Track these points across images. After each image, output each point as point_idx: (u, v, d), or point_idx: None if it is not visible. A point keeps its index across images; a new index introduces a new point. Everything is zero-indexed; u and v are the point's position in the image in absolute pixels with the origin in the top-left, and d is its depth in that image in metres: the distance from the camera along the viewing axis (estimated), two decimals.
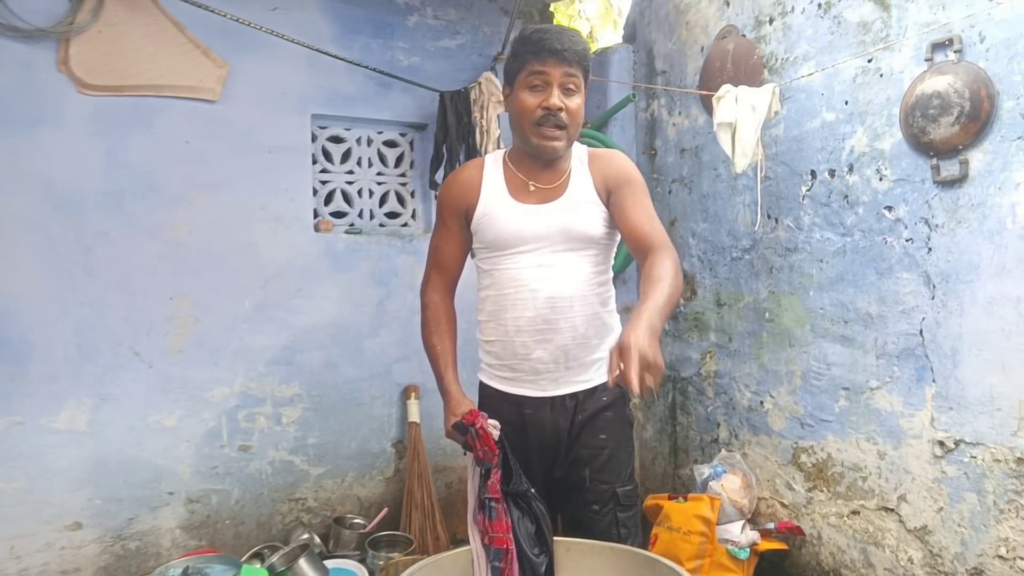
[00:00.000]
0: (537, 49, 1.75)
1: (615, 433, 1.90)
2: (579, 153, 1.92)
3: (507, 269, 1.83)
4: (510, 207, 1.84)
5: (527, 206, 1.84)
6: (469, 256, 1.99)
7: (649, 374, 1.39)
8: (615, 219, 1.83)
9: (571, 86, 1.78)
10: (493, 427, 1.75)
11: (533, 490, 1.77)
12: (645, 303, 1.55)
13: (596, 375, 1.86)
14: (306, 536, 3.01)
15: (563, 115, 1.77)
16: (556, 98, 1.76)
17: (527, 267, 1.82)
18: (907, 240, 2.25)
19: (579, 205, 1.83)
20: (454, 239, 1.92)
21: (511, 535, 1.70)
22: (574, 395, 1.85)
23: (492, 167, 1.91)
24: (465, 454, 1.81)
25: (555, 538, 1.82)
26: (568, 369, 1.84)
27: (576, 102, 1.80)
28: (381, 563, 2.81)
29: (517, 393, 1.87)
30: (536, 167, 1.86)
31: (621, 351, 1.41)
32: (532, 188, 1.85)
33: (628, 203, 1.81)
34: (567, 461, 1.90)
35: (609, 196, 1.85)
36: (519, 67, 1.80)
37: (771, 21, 2.70)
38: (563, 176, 1.87)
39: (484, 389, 1.96)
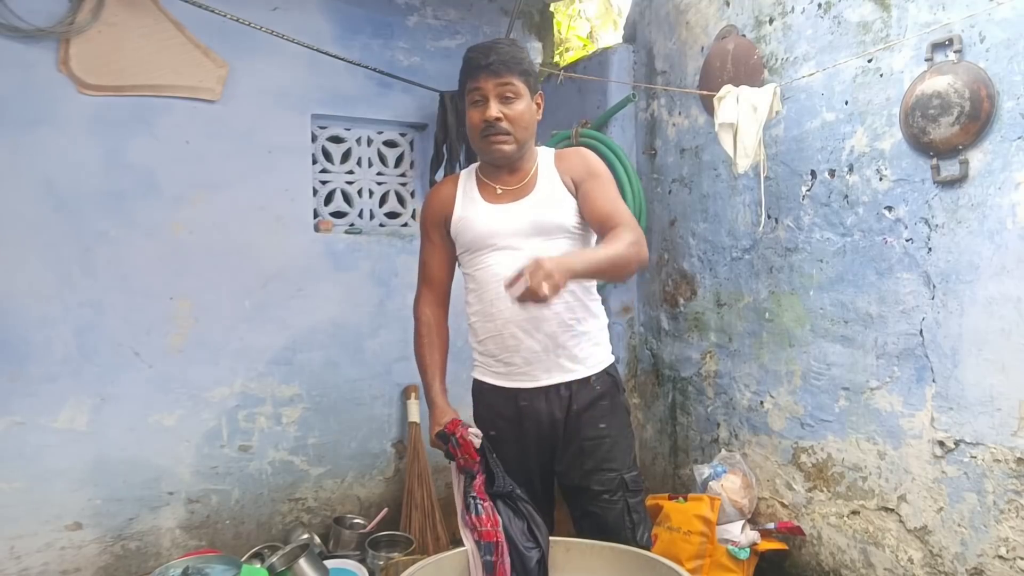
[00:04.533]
0: (468, 68, 1.90)
1: (614, 420, 1.97)
2: (545, 155, 2.02)
3: (488, 266, 1.93)
4: (483, 208, 1.96)
5: (499, 206, 1.95)
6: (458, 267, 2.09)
7: (545, 281, 1.47)
8: (582, 209, 1.92)
9: (508, 94, 1.88)
10: (474, 436, 1.83)
11: (519, 490, 1.85)
12: (582, 251, 1.82)
13: (586, 365, 1.94)
14: (306, 536, 3.01)
15: (503, 124, 1.88)
16: (494, 110, 1.87)
17: (505, 261, 1.88)
18: (907, 240, 2.25)
19: (548, 198, 1.94)
20: (438, 251, 2.05)
21: (500, 529, 1.76)
22: (567, 385, 1.92)
23: (465, 180, 2.04)
24: (450, 463, 1.87)
25: (554, 538, 1.83)
26: (558, 357, 1.91)
27: (517, 108, 1.89)
28: (381, 563, 2.81)
29: (511, 386, 1.94)
30: (501, 173, 1.98)
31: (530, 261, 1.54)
32: (499, 191, 1.96)
33: (593, 192, 1.91)
34: (567, 454, 1.95)
35: (577, 189, 1.95)
36: (462, 88, 1.95)
37: (771, 21, 2.70)
38: (528, 176, 1.98)
39: (478, 385, 2.04)
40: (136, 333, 2.86)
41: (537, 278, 1.48)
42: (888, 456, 2.34)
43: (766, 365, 2.77)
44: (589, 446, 1.92)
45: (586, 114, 3.46)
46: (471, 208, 1.97)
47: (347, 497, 3.25)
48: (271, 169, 3.09)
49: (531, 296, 1.48)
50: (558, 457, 1.96)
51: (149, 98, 2.88)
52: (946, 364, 2.16)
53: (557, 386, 1.92)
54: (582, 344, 1.93)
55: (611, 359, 2.01)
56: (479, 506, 1.78)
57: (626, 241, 1.72)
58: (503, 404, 1.95)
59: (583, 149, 2.07)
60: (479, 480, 1.80)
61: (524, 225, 1.91)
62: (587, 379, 1.93)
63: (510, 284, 1.52)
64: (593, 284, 2.00)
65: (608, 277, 1.86)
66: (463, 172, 2.09)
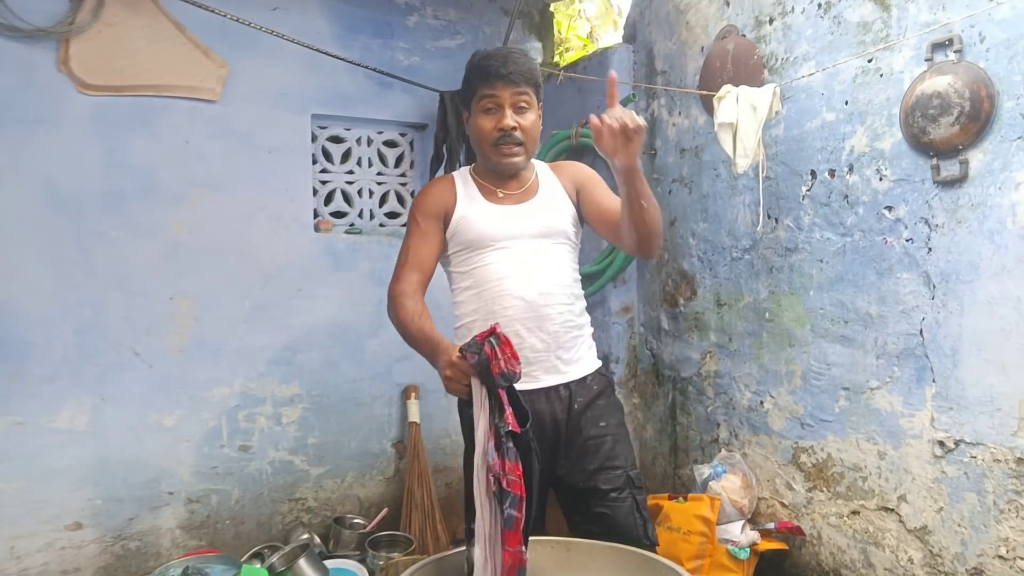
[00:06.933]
0: (483, 75, 1.87)
1: (613, 418, 1.99)
2: (540, 166, 2.08)
3: (488, 265, 1.92)
4: (487, 208, 1.96)
5: (503, 206, 1.96)
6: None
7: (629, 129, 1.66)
8: (588, 210, 1.99)
9: (522, 104, 1.90)
10: None
11: (535, 444, 1.57)
12: None
13: (581, 366, 1.97)
14: (306, 536, 3.01)
15: (518, 133, 1.89)
16: (509, 119, 1.88)
17: (509, 261, 1.90)
18: (907, 240, 2.25)
19: (553, 203, 1.98)
20: (429, 241, 1.96)
21: (522, 482, 1.45)
22: (567, 385, 1.93)
23: (463, 182, 2.02)
24: (461, 416, 1.83)
25: (556, 538, 1.82)
26: (559, 358, 1.92)
27: (530, 118, 1.92)
28: (381, 563, 2.81)
29: None
30: (502, 179, 1.99)
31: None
32: (501, 195, 1.97)
33: (598, 190, 1.99)
34: (570, 456, 1.93)
35: (578, 195, 2.01)
36: (471, 93, 1.92)
37: (771, 21, 2.70)
38: (529, 182, 2.01)
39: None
40: (136, 333, 2.86)
41: (631, 121, 1.64)
42: (888, 456, 2.34)
43: (766, 365, 2.77)
44: (592, 445, 1.92)
45: (586, 114, 3.43)
46: (474, 207, 1.95)
47: (347, 497, 3.25)
48: (271, 169, 3.09)
49: (623, 125, 1.65)
50: (560, 461, 1.93)
51: (149, 98, 2.88)
52: (946, 364, 2.16)
53: (557, 387, 1.92)
54: (579, 345, 1.97)
55: (600, 362, 2.06)
56: (509, 448, 1.43)
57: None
58: None
59: (576, 162, 2.16)
60: (508, 411, 1.46)
61: (532, 226, 1.92)
62: (584, 379, 1.96)
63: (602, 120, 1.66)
64: (582, 292, 2.02)
65: (649, 215, 1.73)
66: (456, 175, 2.06)
